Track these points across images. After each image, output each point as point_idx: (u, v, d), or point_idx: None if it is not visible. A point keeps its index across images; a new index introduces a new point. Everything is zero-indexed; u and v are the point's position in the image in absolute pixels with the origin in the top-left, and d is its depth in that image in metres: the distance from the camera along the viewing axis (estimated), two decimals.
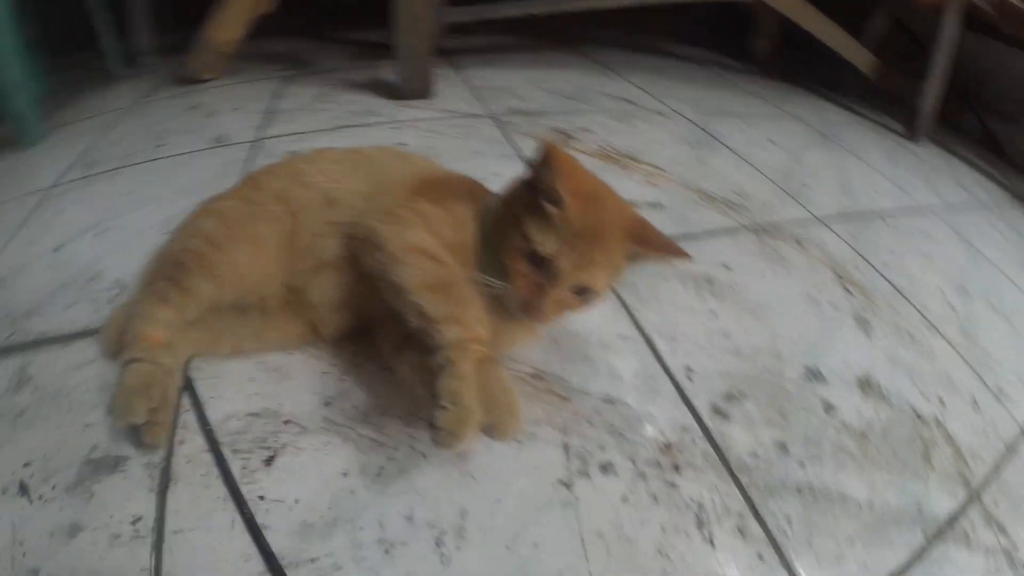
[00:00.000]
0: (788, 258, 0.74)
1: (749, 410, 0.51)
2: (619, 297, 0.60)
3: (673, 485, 0.44)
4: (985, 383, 0.68)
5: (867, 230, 0.90)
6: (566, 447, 0.45)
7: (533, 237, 0.43)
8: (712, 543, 0.41)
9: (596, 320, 0.56)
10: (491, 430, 0.41)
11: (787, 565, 0.41)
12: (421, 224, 0.46)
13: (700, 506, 0.43)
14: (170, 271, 0.47)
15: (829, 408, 0.54)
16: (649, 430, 0.48)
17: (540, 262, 0.43)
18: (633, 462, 0.45)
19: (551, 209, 0.42)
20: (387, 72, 1.20)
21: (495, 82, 1.25)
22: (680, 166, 0.93)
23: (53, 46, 1.10)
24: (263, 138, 0.92)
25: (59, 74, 1.10)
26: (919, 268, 0.86)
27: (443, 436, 0.37)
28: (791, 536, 0.43)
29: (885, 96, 1.66)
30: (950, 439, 0.58)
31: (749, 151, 1.06)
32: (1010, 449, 0.61)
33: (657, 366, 0.54)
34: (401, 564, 0.38)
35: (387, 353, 0.49)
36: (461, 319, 0.41)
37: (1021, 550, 0.51)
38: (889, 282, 0.78)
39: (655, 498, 0.43)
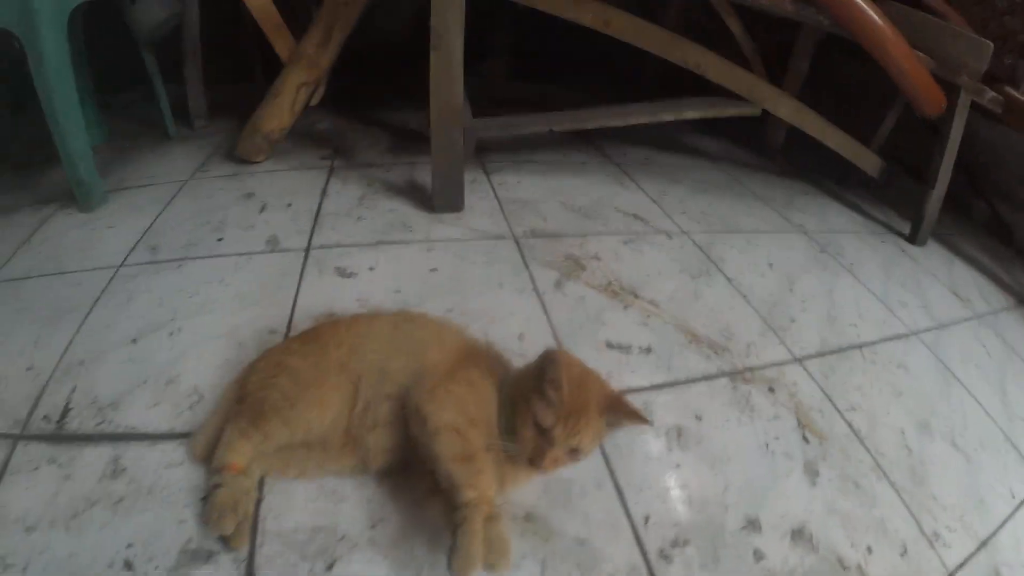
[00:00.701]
0: (756, 406, 0.90)
1: (689, 555, 0.68)
2: (602, 450, 0.77)
3: None
4: (922, 529, 0.81)
5: (842, 366, 1.05)
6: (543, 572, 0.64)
7: (538, 414, 0.62)
8: None
9: (581, 469, 0.73)
10: (490, 567, 0.59)
11: None
12: (454, 405, 0.65)
13: None
14: (251, 416, 0.67)
15: (759, 557, 0.70)
16: (607, 568, 0.65)
17: (542, 431, 0.62)
18: None
19: (552, 394, 0.61)
20: (421, 171, 1.43)
21: (519, 192, 1.46)
22: (676, 302, 1.10)
23: (109, 86, 1.29)
24: (312, 247, 1.13)
25: (116, 117, 1.30)
26: (884, 406, 0.99)
27: (458, 570, 0.55)
28: None
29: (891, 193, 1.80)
30: None
31: (746, 280, 1.23)
32: None
33: (622, 512, 0.71)
34: None
35: (421, 492, 0.68)
36: (477, 485, 0.60)
37: None
38: (849, 426, 0.92)
39: None
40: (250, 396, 0.69)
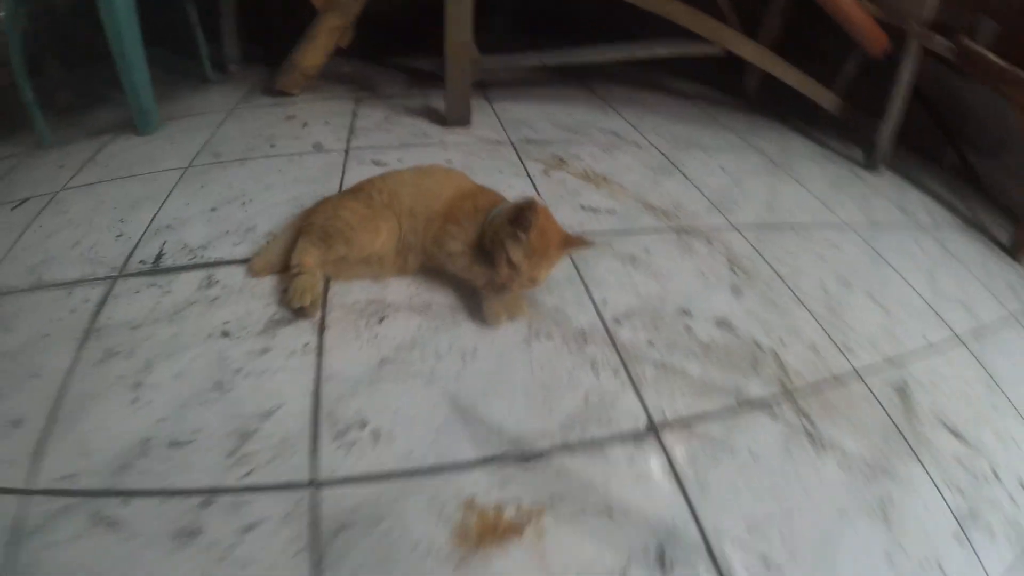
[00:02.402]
0: (694, 248, 1.22)
1: (635, 323, 0.99)
2: (571, 259, 1.09)
3: (581, 349, 0.92)
4: (832, 339, 1.10)
5: (773, 235, 1.35)
6: (529, 326, 0.95)
7: (510, 251, 0.90)
8: (598, 377, 0.88)
9: (557, 269, 1.02)
10: (510, 318, 0.92)
11: (637, 392, 0.88)
12: (450, 239, 0.96)
13: (593, 360, 0.91)
14: (319, 235, 0.97)
15: (688, 329, 1.00)
16: (574, 324, 0.97)
17: (512, 264, 0.90)
18: (562, 337, 0.94)
19: (522, 236, 0.89)
20: (435, 100, 1.76)
21: (516, 114, 1.79)
22: (638, 186, 1.42)
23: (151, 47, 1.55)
24: (351, 148, 1.46)
25: (156, 68, 1.55)
26: (809, 264, 1.29)
27: (491, 322, 0.91)
28: (642, 383, 0.89)
29: (851, 130, 2.11)
30: (779, 361, 1.01)
31: (699, 176, 1.54)
32: (836, 378, 1.02)
33: (586, 295, 1.03)
34: (445, 366, 0.86)
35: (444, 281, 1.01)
36: (481, 279, 0.93)
37: (820, 432, 0.90)
38: (773, 270, 1.23)
39: (570, 353, 0.91)
40: (316, 225, 0.99)
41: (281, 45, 1.79)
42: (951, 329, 1.25)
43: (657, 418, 0.85)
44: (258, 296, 0.96)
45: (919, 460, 0.92)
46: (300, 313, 0.91)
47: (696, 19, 1.81)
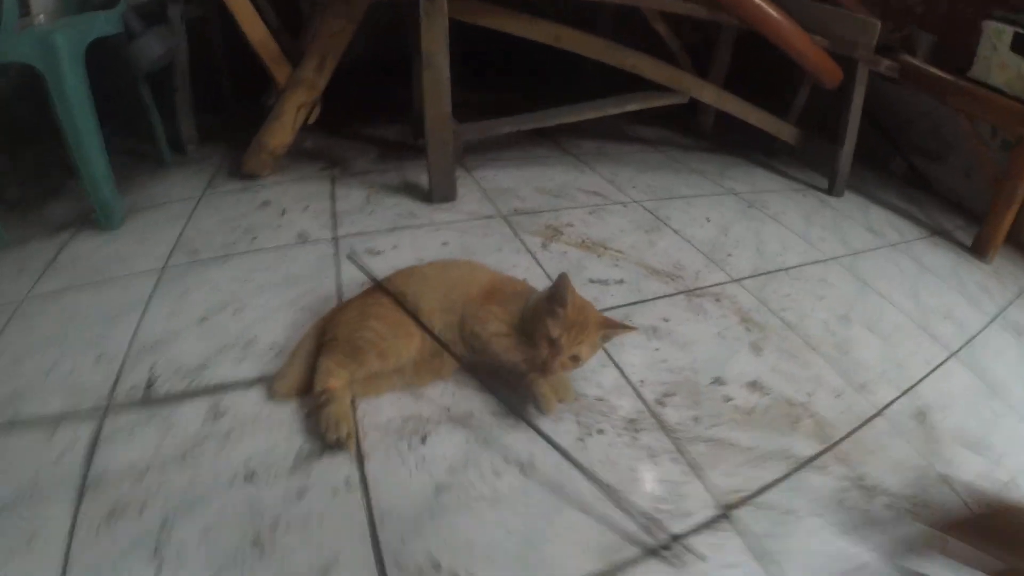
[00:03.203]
0: (707, 311, 1.27)
1: (677, 401, 1.02)
2: (604, 347, 1.11)
3: (635, 439, 0.94)
4: (850, 381, 1.17)
5: (772, 283, 1.43)
6: (578, 423, 0.96)
7: (549, 326, 0.92)
8: (658, 466, 0.91)
9: (594, 363, 1.06)
10: (561, 401, 0.94)
11: (700, 477, 0.90)
12: (494, 320, 0.96)
13: (650, 449, 0.92)
14: (348, 350, 0.94)
15: (727, 399, 1.04)
16: (620, 412, 0.99)
17: (551, 342, 0.92)
18: (614, 428, 0.95)
19: (560, 311, 0.92)
20: (412, 173, 1.78)
21: (498, 183, 1.83)
22: (636, 249, 1.48)
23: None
24: (339, 237, 1.44)
25: (111, 151, 1.44)
26: (810, 307, 1.38)
27: (544, 408, 0.90)
28: (701, 464, 0.92)
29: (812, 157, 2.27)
30: (813, 415, 1.06)
31: (688, 230, 1.62)
32: (864, 421, 1.08)
33: (623, 380, 1.05)
34: (506, 484, 0.86)
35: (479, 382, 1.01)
36: (531, 363, 0.93)
37: (866, 479, 0.95)
38: (781, 319, 1.30)
39: (627, 445, 0.93)
40: (343, 336, 0.96)
41: (238, 119, 1.77)
42: (945, 347, 1.35)
43: (725, 500, 0.87)
44: (278, 426, 0.90)
45: (952, 488, 0.97)
46: (337, 445, 0.86)
47: (660, 70, 1.93)
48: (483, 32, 1.68)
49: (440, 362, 1.00)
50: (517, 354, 0.94)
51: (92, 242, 1.37)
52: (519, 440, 0.92)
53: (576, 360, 0.94)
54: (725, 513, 0.85)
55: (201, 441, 0.86)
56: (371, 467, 0.85)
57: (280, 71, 1.69)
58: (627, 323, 1.00)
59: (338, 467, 0.85)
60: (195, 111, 1.95)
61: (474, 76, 2.88)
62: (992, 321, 1.52)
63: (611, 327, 0.97)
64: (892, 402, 1.14)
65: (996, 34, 1.88)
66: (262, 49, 1.65)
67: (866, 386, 1.17)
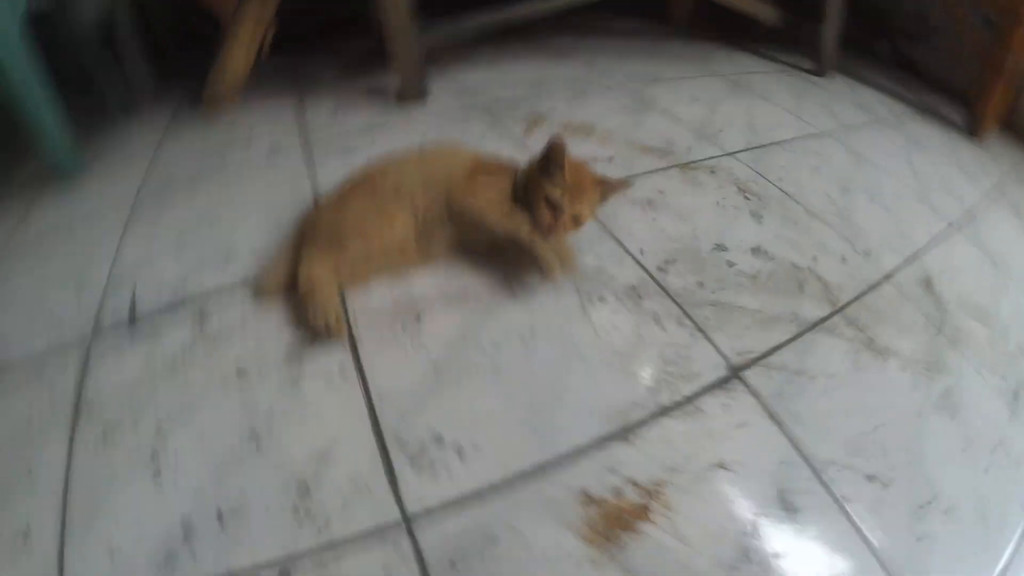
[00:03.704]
0: (703, 182, 1.19)
1: (680, 268, 0.95)
2: (600, 221, 1.04)
3: (639, 305, 0.88)
4: (854, 247, 1.12)
5: (767, 156, 1.36)
6: (578, 291, 0.90)
7: (547, 189, 0.86)
8: (665, 330, 0.85)
9: (582, 232, 0.98)
10: (564, 271, 0.85)
11: (708, 338, 0.85)
12: (483, 192, 0.89)
13: (655, 313, 0.87)
14: (329, 236, 0.86)
15: (731, 264, 0.98)
16: (622, 281, 0.92)
17: (552, 204, 0.86)
18: (615, 295, 0.90)
19: (557, 172, 0.86)
20: (379, 80, 1.63)
21: (473, 79, 1.70)
22: (624, 129, 1.38)
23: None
24: (312, 142, 1.33)
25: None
26: (808, 178, 1.31)
27: (549, 272, 0.83)
28: (709, 326, 0.87)
29: (795, 38, 2.16)
30: (819, 279, 1.01)
31: (677, 109, 1.52)
32: (871, 285, 1.04)
33: (623, 251, 0.98)
34: (507, 355, 0.80)
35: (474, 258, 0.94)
36: (525, 227, 0.86)
37: (876, 340, 0.92)
38: (780, 189, 1.23)
39: (630, 311, 0.87)
40: (324, 224, 0.88)
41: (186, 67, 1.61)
42: (945, 219, 1.30)
43: (735, 360, 0.82)
44: (266, 322, 0.85)
45: (961, 352, 0.95)
46: (326, 332, 0.79)
47: None
48: None
49: (428, 244, 0.92)
50: (516, 220, 0.87)
51: (58, 191, 1.27)
52: (518, 312, 0.86)
53: (578, 220, 0.90)
54: (735, 374, 0.81)
55: (190, 347, 0.83)
56: (365, 350, 0.81)
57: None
58: (623, 179, 0.94)
59: (332, 355, 0.80)
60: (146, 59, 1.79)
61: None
62: (989, 196, 1.48)
63: (608, 185, 0.92)
64: (898, 268, 1.10)
65: None
66: None
67: (871, 253, 1.12)
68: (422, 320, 0.85)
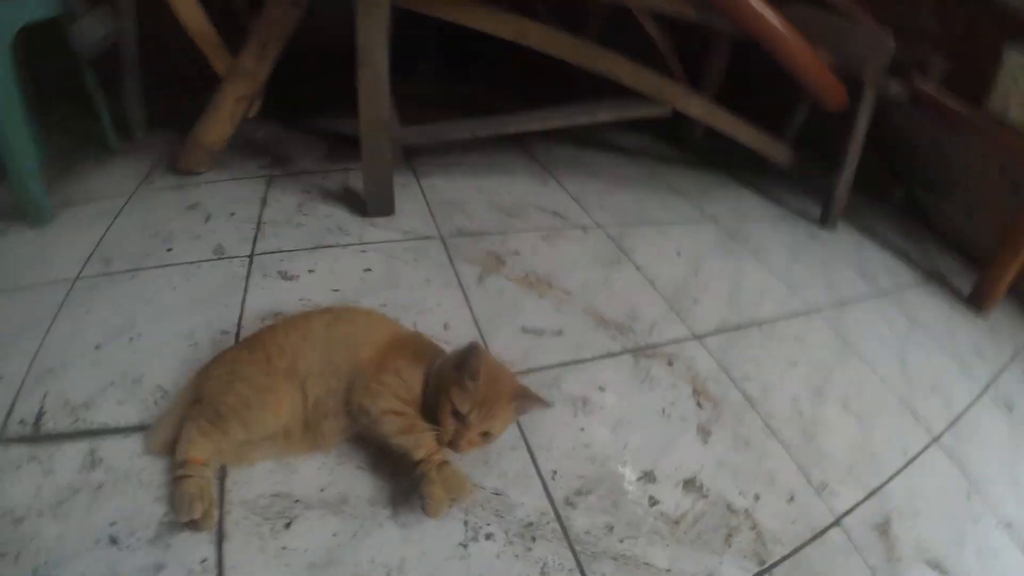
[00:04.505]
0: (656, 377, 1.11)
1: (592, 502, 0.86)
2: (519, 425, 0.96)
3: (529, 549, 0.79)
4: (809, 480, 1.02)
5: (740, 343, 1.28)
6: (465, 523, 0.82)
7: (456, 401, 0.80)
8: None
9: (503, 437, 0.90)
10: (453, 501, 0.79)
11: None
12: (388, 392, 0.82)
13: (544, 563, 0.78)
14: (211, 416, 0.81)
15: (653, 502, 0.89)
16: (519, 514, 0.83)
17: (459, 416, 0.81)
18: (506, 533, 0.81)
19: (469, 384, 0.80)
20: (356, 178, 1.61)
21: (447, 194, 1.65)
22: (587, 290, 1.31)
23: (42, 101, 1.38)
24: (255, 254, 1.29)
25: (52, 133, 1.40)
26: (779, 375, 1.22)
27: (431, 511, 0.76)
28: None
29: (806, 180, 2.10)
30: (755, 527, 0.91)
31: (653, 266, 1.45)
32: (817, 534, 0.93)
33: (533, 469, 0.90)
34: None
35: (364, 461, 0.87)
36: (423, 446, 0.80)
37: None
38: (743, 393, 1.14)
39: (516, 557, 0.78)
40: (209, 400, 0.83)
41: (192, 103, 1.61)
42: (927, 431, 1.21)
43: None
44: (146, 485, 0.80)
45: None
46: (191, 527, 0.75)
47: (640, 77, 1.74)
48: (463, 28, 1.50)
49: (319, 433, 0.86)
50: (410, 439, 0.81)
51: (18, 240, 1.29)
52: (393, 538, 0.79)
53: (487, 436, 0.84)
54: None
55: (75, 492, 0.80)
56: (229, 550, 0.75)
57: (220, 60, 1.55)
58: (543, 397, 0.87)
59: (197, 545, 0.75)
60: (145, 95, 1.80)
61: (461, 66, 2.70)
62: (982, 394, 1.39)
63: (527, 398, 0.86)
64: (854, 507, 1.00)
65: (1018, 67, 1.71)
66: (199, 37, 1.51)
67: (828, 485, 1.03)
68: (292, 527, 0.77)
